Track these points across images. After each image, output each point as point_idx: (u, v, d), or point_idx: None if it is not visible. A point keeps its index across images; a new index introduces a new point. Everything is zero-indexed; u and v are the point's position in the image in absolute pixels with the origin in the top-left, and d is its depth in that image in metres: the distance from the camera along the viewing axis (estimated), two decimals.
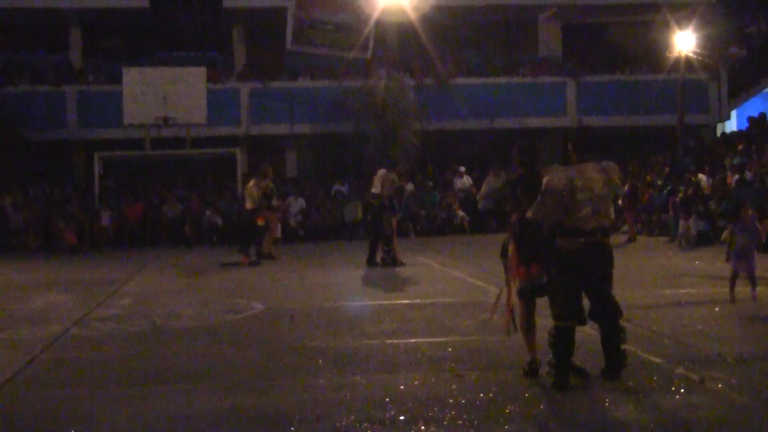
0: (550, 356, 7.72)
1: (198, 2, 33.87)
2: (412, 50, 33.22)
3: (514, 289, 8.14)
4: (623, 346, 7.88)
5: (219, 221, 28.11)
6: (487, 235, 25.46)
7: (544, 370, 7.91)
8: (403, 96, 31.72)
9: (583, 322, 7.76)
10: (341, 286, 15.58)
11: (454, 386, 7.78)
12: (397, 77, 32.10)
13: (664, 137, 32.99)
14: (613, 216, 8.09)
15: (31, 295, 15.54)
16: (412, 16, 30.99)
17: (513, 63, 35.30)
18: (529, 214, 7.85)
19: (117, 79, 30.63)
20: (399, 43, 33.38)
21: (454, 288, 14.88)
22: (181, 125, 29.78)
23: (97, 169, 30.22)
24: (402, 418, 6.78)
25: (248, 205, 20.36)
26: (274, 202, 21.39)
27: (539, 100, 33.66)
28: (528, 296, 8.08)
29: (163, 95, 29.61)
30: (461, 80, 33.37)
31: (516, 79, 34.13)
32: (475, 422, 6.62)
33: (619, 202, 21.20)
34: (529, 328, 8.11)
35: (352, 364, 8.82)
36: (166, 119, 29.54)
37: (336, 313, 12.29)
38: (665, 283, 15.00)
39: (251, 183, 20.59)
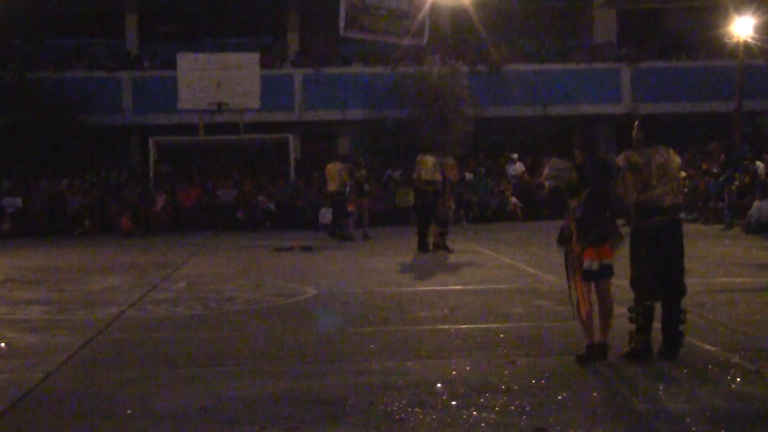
0: (633, 330, 8.07)
1: None
2: (466, 36, 33.05)
3: (577, 276, 8.12)
4: (682, 327, 8.07)
5: (272, 206, 28.22)
6: (539, 221, 25.34)
7: (612, 354, 8.05)
8: (456, 82, 31.57)
9: (659, 298, 8.11)
10: (393, 272, 15.57)
11: (506, 372, 7.76)
12: (451, 63, 32.00)
13: (720, 124, 32.51)
14: (682, 195, 8.42)
15: (88, 278, 15.75)
16: (467, 2, 30.85)
17: (567, 49, 34.87)
18: (616, 189, 8.06)
19: (172, 64, 30.80)
20: (453, 29, 33.23)
21: (506, 275, 14.83)
22: (235, 111, 29.90)
23: (152, 154, 30.51)
24: (453, 403, 6.78)
25: (331, 187, 21.93)
26: (366, 186, 22.75)
27: (593, 87, 33.09)
28: (593, 278, 8.03)
29: (217, 81, 29.75)
30: (514, 66, 32.96)
31: (570, 66, 33.53)
32: (527, 408, 6.59)
33: None
34: (591, 311, 8.05)
35: (403, 349, 8.84)
36: (220, 105, 29.69)
37: (388, 299, 12.28)
38: (721, 271, 14.78)
39: (338, 166, 21.82)
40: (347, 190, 21.71)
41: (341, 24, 31.90)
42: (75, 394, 7.41)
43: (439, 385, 7.32)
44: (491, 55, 32.60)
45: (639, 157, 8.08)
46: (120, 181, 30.73)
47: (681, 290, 8.18)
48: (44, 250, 22.21)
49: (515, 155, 30.83)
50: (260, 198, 28.48)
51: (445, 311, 11.02)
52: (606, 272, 8.05)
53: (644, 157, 8.09)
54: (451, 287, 13.22)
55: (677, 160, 8.36)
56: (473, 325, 9.99)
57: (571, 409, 6.56)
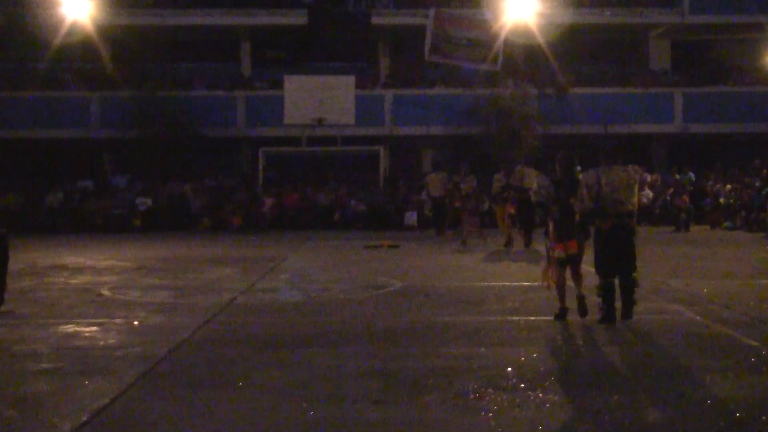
0: (600, 301, 9.43)
1: (349, 20, 34.15)
2: (536, 63, 32.85)
3: (553, 259, 9.69)
4: (635, 296, 9.50)
5: (364, 209, 28.33)
6: (591, 227, 24.94)
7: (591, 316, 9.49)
8: (526, 103, 31.50)
9: (614, 276, 9.42)
10: (470, 269, 15.47)
11: (567, 359, 7.70)
12: (522, 86, 31.87)
13: (763, 143, 31.87)
14: (634, 203, 9.60)
15: (206, 268, 15.97)
16: (536, 33, 30.78)
17: (626, 75, 34.50)
18: (575, 203, 9.51)
19: (279, 85, 31.21)
20: (524, 56, 33.02)
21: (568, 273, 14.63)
22: (333, 126, 30.22)
23: (261, 162, 30.92)
24: (522, 385, 6.75)
25: (434, 193, 23.29)
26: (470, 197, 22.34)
27: (649, 109, 32.76)
28: (563, 263, 9.59)
29: (318, 99, 30.07)
30: (578, 90, 32.70)
31: (628, 90, 33.20)
32: (587, 391, 6.54)
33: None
34: (561, 285, 9.63)
35: (477, 337, 8.81)
36: (320, 120, 30.03)
37: (465, 292, 12.23)
38: (763, 274, 14.44)
39: (441, 176, 23.26)
40: (456, 196, 21.70)
41: (426, 51, 32.00)
42: (194, 367, 7.55)
43: (509, 369, 7.29)
44: (558, 80, 32.49)
45: (591, 177, 9.48)
46: (233, 185, 31.13)
47: (629, 269, 9.44)
48: (169, 243, 22.60)
49: (578, 167, 30.44)
50: (353, 202, 28.63)
51: (516, 304, 10.95)
52: (572, 260, 9.61)
53: (594, 177, 9.48)
54: (520, 283, 13.08)
55: (634, 176, 9.60)
56: (539, 317, 9.90)
57: (626, 393, 6.48)
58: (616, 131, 32.21)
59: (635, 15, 33.51)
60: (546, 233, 9.94)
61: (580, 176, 9.71)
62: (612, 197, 9.36)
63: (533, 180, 18.40)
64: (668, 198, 28.41)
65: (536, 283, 11.49)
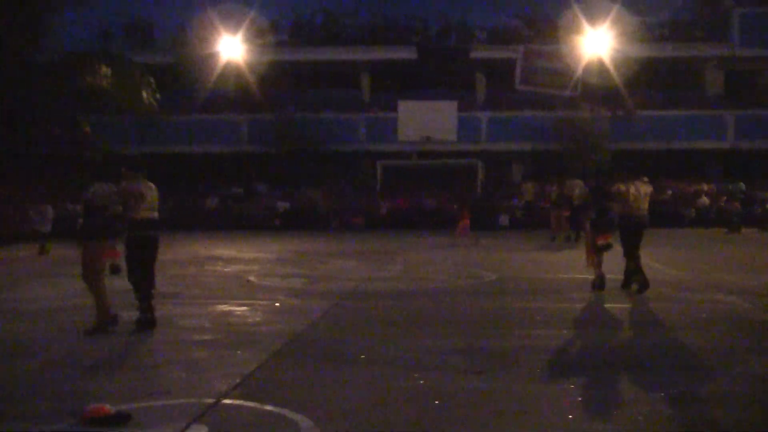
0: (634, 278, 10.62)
1: (451, 54, 34.22)
2: (608, 89, 32.32)
3: (594, 246, 10.88)
4: (639, 276, 10.48)
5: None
6: (660, 228, 24.23)
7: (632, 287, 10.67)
8: (599, 124, 31.52)
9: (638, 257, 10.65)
10: (555, 263, 15.26)
11: (637, 340, 7.52)
12: (596, 110, 31.62)
13: None
14: (646, 208, 10.77)
15: (332, 260, 16.18)
16: (609, 64, 30.87)
17: (684, 99, 34.06)
18: (612, 206, 10.76)
19: (394, 108, 31.44)
20: (598, 83, 32.50)
21: None
22: (438, 142, 30.24)
23: (378, 172, 31.18)
24: (599, 363, 6.62)
25: (529, 198, 24.77)
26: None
27: (704, 128, 32.73)
28: (601, 250, 10.76)
29: (426, 120, 30.20)
30: (644, 112, 32.68)
31: (686, 112, 33.12)
32: (652, 369, 6.37)
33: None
34: (598, 264, 10.88)
35: (561, 320, 8.67)
36: (427, 138, 30.11)
37: (549, 283, 12.07)
38: None
39: (532, 184, 24.64)
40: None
41: (517, 81, 32.07)
42: (325, 341, 7.65)
43: (587, 348, 7.17)
44: (627, 103, 32.38)
45: (621, 187, 10.61)
46: (355, 191, 31.47)
47: (637, 255, 10.61)
48: (303, 239, 22.98)
49: (645, 178, 29.70)
50: (455, 206, 28.52)
51: (588, 294, 10.71)
52: (607, 248, 10.74)
53: (625, 188, 10.59)
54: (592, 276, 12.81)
55: (644, 189, 10.77)
56: (613, 305, 9.70)
57: (687, 371, 6.29)
58: (676, 147, 32.39)
59: (692, 49, 33.79)
60: (589, 227, 11.13)
61: (615, 188, 10.73)
62: (635, 204, 10.59)
63: (578, 190, 19.10)
64: (722, 204, 27.93)
65: (618, 276, 11.24)
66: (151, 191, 8.39)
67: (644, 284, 10.43)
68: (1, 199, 20.67)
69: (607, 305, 9.77)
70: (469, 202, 22.73)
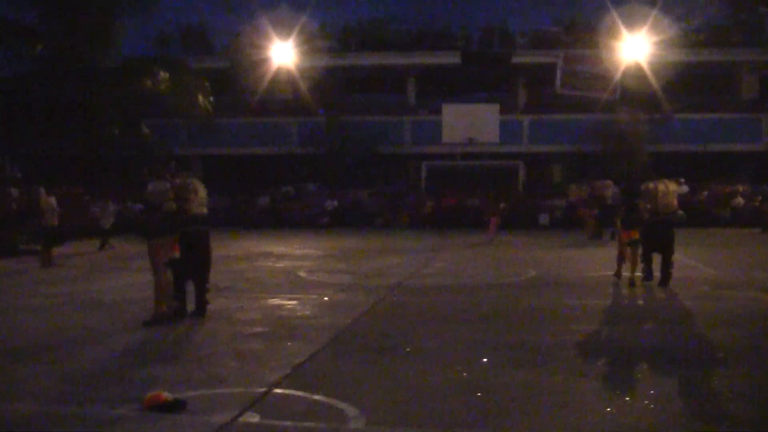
0: (643, 268, 10.90)
1: (493, 59, 34.06)
2: (646, 93, 31.83)
3: (624, 241, 11.20)
4: (671, 270, 10.68)
5: (504, 212, 27.97)
6: (695, 228, 23.74)
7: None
8: (637, 126, 31.07)
9: (654, 251, 10.91)
10: (593, 261, 15.05)
11: (675, 338, 7.41)
12: (634, 112, 31.17)
13: None
14: (675, 205, 10.97)
15: (378, 257, 16.19)
16: (647, 69, 30.60)
17: (720, 103, 33.48)
18: (641, 204, 10.85)
19: (438, 112, 31.32)
20: (637, 87, 32.03)
21: (676, 266, 14.02)
22: (481, 144, 30.09)
23: (423, 173, 31.14)
24: (637, 358, 6.53)
25: (572, 197, 24.61)
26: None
27: (739, 131, 32.18)
28: (631, 245, 10.94)
29: (469, 123, 30.00)
30: (681, 115, 32.28)
31: (722, 115, 32.57)
32: (691, 362, 6.26)
33: None
34: (628, 257, 11.09)
35: (597, 317, 8.58)
36: (470, 140, 29.94)
37: (587, 280, 11.92)
38: None
39: (575, 184, 24.38)
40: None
41: (557, 85, 31.82)
42: (372, 334, 7.67)
43: (625, 344, 7.08)
44: (664, 106, 31.92)
45: (650, 186, 10.73)
46: (401, 191, 31.48)
47: (670, 252, 10.74)
48: (350, 236, 23.05)
49: (683, 179, 29.29)
50: (487, 204, 28.31)
51: (626, 291, 10.60)
52: (636, 243, 10.90)
53: (654, 186, 10.69)
54: (627, 273, 12.64)
55: (672, 187, 10.87)
56: (650, 302, 9.57)
57: (722, 366, 6.15)
58: (713, 149, 32.11)
59: (728, 54, 33.30)
60: (619, 224, 11.49)
61: (644, 186, 10.87)
62: (663, 201, 10.70)
63: (609, 190, 19.50)
64: (757, 205, 27.51)
65: (655, 274, 11.07)
66: (201, 188, 8.58)
67: (650, 275, 10.80)
68: (66, 198, 21.12)
69: (640, 302, 9.63)
70: (501, 202, 22.53)
